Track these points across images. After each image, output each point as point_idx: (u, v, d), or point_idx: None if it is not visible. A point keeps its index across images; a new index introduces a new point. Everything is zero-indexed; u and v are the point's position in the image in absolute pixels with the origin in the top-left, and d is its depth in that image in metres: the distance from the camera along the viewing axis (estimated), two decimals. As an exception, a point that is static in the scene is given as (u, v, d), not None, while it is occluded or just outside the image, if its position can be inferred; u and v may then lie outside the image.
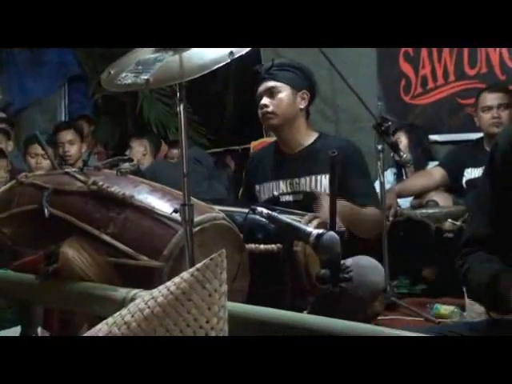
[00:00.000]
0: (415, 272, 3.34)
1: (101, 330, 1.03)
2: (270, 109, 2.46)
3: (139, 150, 4.76)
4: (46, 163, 3.71)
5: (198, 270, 1.01)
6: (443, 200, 3.53)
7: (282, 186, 2.47)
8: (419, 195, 3.62)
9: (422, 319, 2.77)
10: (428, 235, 3.23)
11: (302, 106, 2.54)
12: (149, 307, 0.99)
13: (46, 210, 1.81)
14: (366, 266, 2.19)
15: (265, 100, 2.52)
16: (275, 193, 2.51)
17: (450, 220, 3.23)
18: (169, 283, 1.02)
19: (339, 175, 2.27)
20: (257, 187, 2.53)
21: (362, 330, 1.11)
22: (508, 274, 1.42)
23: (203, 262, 1.02)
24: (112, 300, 1.31)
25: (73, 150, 3.94)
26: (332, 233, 1.59)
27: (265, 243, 2.00)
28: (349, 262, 1.90)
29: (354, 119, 4.44)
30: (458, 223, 3.17)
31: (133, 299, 1.26)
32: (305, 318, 1.28)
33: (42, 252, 1.55)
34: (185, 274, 1.01)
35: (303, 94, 2.58)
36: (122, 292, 1.36)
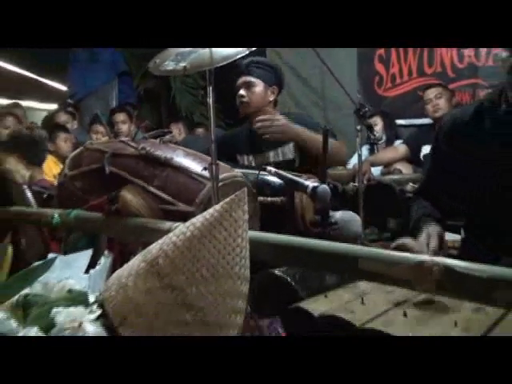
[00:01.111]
0: (383, 223, 3.40)
1: (154, 247, 1.06)
2: (246, 99, 2.51)
3: (175, 132, 4.81)
4: (104, 139, 3.74)
5: (226, 202, 1.04)
6: (405, 169, 3.65)
7: (251, 159, 2.54)
8: (387, 165, 3.71)
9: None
10: (393, 195, 3.29)
11: (271, 99, 2.59)
12: (190, 230, 1.03)
13: (106, 168, 1.86)
14: (349, 218, 2.22)
15: (242, 91, 2.55)
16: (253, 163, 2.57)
17: (410, 184, 3.30)
18: (204, 213, 1.05)
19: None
20: (238, 156, 2.59)
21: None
22: (425, 220, 1.71)
23: (229, 197, 1.05)
24: (160, 230, 1.35)
25: (124, 128, 3.98)
26: (325, 185, 1.63)
27: (271, 196, 2.06)
28: (336, 214, 1.95)
29: (338, 107, 4.52)
30: (417, 186, 3.24)
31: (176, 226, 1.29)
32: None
33: (105, 196, 1.58)
34: (216, 206, 1.05)
35: (273, 89, 2.61)
36: (168, 224, 1.40)
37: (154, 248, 1.06)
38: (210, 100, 1.58)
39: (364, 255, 1.03)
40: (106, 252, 1.37)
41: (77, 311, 0.91)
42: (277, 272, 1.58)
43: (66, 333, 0.90)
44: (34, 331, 0.84)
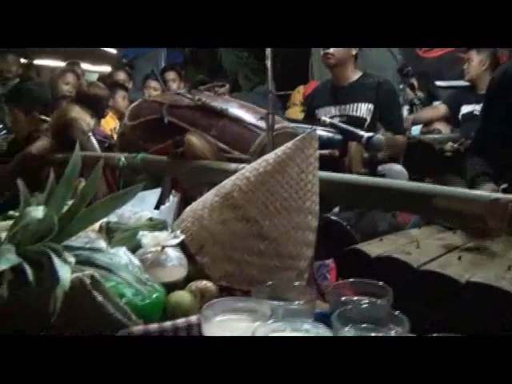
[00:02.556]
0: (421, 179, 3.32)
1: (227, 183, 1.05)
2: (331, 51, 2.43)
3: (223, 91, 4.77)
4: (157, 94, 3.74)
5: (298, 140, 1.01)
6: (444, 129, 3.54)
7: (333, 110, 2.46)
8: (427, 125, 3.60)
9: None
10: (433, 154, 3.21)
11: (354, 53, 2.50)
12: (262, 167, 1.01)
13: (165, 119, 1.86)
14: (396, 171, 2.18)
15: None
16: (323, 117, 2.51)
17: (450, 143, 3.20)
18: (276, 151, 1.03)
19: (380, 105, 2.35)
20: (316, 111, 2.51)
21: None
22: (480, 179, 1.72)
23: (301, 135, 1.02)
24: (226, 171, 1.33)
25: (174, 86, 3.96)
26: (379, 135, 1.59)
27: (326, 148, 2.02)
28: (384, 166, 1.92)
29: (380, 69, 4.38)
30: (456, 145, 3.16)
31: (235, 170, 1.27)
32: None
33: (170, 141, 1.57)
34: (288, 144, 1.02)
35: None
36: (234, 165, 1.38)
37: (228, 183, 1.04)
38: (269, 57, 1.54)
39: (439, 193, 0.99)
40: (173, 191, 1.37)
41: (161, 236, 0.90)
42: (332, 217, 1.56)
43: (149, 256, 0.90)
44: (122, 250, 0.84)
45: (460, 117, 3.59)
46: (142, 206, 1.22)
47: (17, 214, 1.10)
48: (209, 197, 1.05)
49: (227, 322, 0.70)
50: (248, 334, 0.67)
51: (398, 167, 2.21)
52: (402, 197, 1.09)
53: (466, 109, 3.52)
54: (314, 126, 1.91)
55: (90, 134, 2.02)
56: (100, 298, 0.72)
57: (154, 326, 0.78)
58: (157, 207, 1.35)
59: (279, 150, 1.02)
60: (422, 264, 1.30)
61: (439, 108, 3.73)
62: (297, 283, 0.89)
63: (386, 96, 2.38)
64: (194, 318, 0.82)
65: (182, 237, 0.91)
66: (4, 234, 0.81)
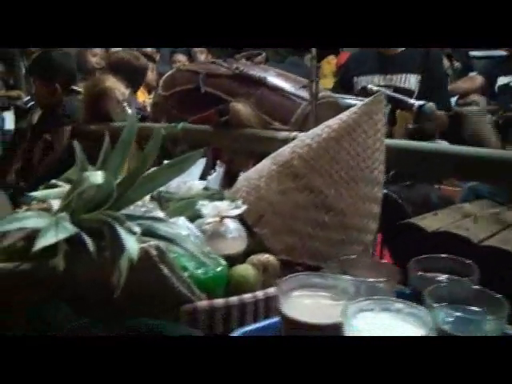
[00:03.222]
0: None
1: (285, 150, 0.97)
2: None
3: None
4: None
5: (365, 104, 0.92)
6: (481, 100, 3.40)
7: (376, 79, 2.32)
8: (463, 96, 3.46)
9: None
10: (470, 124, 3.10)
11: None
12: (326, 132, 0.92)
13: (202, 88, 1.78)
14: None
15: None
16: (370, 85, 2.37)
17: (488, 115, 3.09)
18: (340, 115, 0.94)
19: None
20: (355, 79, 2.38)
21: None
22: None
23: (368, 99, 0.93)
24: (276, 139, 1.25)
25: (202, 57, 3.87)
26: (431, 104, 1.49)
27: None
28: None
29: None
30: (494, 118, 3.03)
31: (294, 138, 1.19)
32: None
33: (212, 110, 1.49)
34: (353, 108, 0.93)
35: None
36: (284, 134, 1.30)
37: (285, 151, 0.96)
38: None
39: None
40: (218, 162, 1.29)
41: (222, 205, 0.83)
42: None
43: (207, 227, 0.83)
44: (181, 220, 0.77)
45: (496, 88, 3.46)
46: (187, 176, 1.15)
47: (59, 183, 1.04)
48: (265, 165, 0.97)
49: (308, 298, 0.63)
50: (334, 311, 0.60)
51: (445, 143, 2.11)
52: (484, 165, 1.00)
53: (502, 80, 3.39)
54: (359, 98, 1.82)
55: (125, 104, 1.95)
56: (166, 270, 0.65)
57: (219, 302, 0.72)
58: (201, 178, 1.28)
59: (344, 115, 0.93)
60: (481, 239, 1.22)
61: (476, 79, 3.58)
62: (371, 259, 0.81)
63: (434, 66, 2.24)
64: (260, 294, 0.75)
65: (244, 207, 0.83)
66: (55, 203, 0.75)
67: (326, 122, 0.96)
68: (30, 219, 0.65)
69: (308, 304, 0.62)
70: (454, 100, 3.47)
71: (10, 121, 3.01)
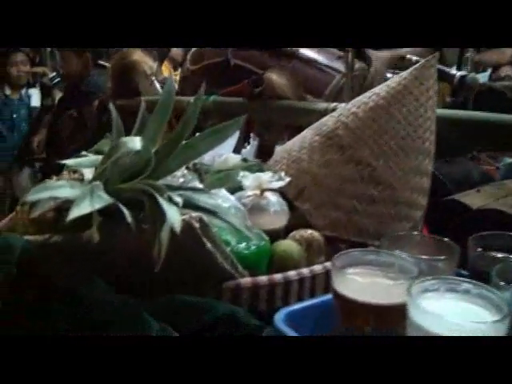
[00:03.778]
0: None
1: (329, 120, 0.90)
2: None
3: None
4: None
5: (415, 69, 0.85)
6: (512, 75, 3.25)
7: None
8: (495, 69, 3.32)
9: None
10: (504, 100, 2.97)
11: None
12: (372, 100, 0.85)
13: (231, 61, 1.72)
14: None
15: None
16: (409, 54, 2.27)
17: (523, 91, 2.94)
18: (388, 82, 0.87)
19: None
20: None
21: None
22: None
23: (419, 63, 0.86)
24: (314, 111, 1.18)
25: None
26: (473, 74, 1.39)
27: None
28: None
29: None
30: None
31: (333, 109, 1.13)
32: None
33: (245, 81, 1.42)
34: (403, 74, 0.86)
35: None
36: (323, 104, 1.23)
37: (329, 121, 0.89)
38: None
39: None
40: (251, 135, 1.23)
41: (264, 177, 0.77)
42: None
43: (247, 200, 0.77)
44: (222, 191, 0.72)
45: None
46: (221, 148, 1.09)
47: (89, 155, 0.99)
48: (306, 137, 0.91)
49: (364, 276, 0.57)
50: (394, 291, 0.54)
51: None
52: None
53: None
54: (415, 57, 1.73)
55: (153, 78, 1.89)
56: (209, 244, 0.59)
57: (263, 279, 0.66)
58: (234, 151, 1.22)
59: (392, 82, 0.86)
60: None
61: (504, 51, 3.43)
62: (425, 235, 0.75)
63: None
64: (305, 271, 0.70)
65: (288, 179, 0.77)
66: (87, 172, 0.70)
67: (373, 89, 0.88)
68: (61, 188, 0.60)
69: (365, 283, 0.56)
70: (486, 75, 3.34)
71: (36, 98, 2.99)
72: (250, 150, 1.15)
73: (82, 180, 0.70)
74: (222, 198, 0.68)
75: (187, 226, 0.57)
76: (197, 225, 0.58)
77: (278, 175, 0.77)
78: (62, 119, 2.30)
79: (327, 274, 0.72)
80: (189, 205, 0.62)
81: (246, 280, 0.65)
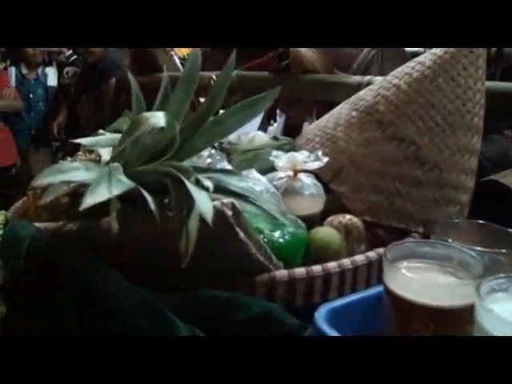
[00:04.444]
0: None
1: (367, 94, 0.81)
2: None
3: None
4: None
5: (466, 37, 0.75)
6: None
7: None
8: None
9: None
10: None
11: None
12: (417, 71, 0.76)
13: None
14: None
15: None
16: None
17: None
18: (433, 50, 0.78)
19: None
20: None
21: None
22: None
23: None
24: (347, 85, 1.10)
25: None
26: None
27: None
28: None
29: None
30: None
31: (368, 83, 1.03)
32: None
33: (270, 54, 1.33)
34: (451, 42, 0.77)
35: None
36: (356, 78, 1.13)
37: (367, 94, 0.81)
38: None
39: None
40: (277, 111, 1.15)
41: (299, 157, 0.69)
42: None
43: (279, 183, 0.69)
44: (253, 172, 0.64)
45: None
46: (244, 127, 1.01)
47: (106, 134, 0.92)
48: (342, 112, 0.82)
49: (420, 272, 0.49)
50: (458, 290, 0.46)
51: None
52: None
53: None
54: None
55: (173, 53, 1.80)
56: (242, 234, 0.52)
57: (300, 271, 0.59)
58: (259, 129, 1.14)
59: (438, 50, 0.76)
60: None
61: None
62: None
63: None
64: (347, 262, 0.62)
65: (325, 159, 0.69)
66: (104, 152, 0.63)
67: (417, 58, 0.79)
68: (75, 171, 0.53)
69: (423, 281, 0.49)
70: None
71: (52, 76, 2.93)
72: (276, 127, 1.06)
73: (98, 161, 0.63)
74: (254, 181, 0.60)
75: (219, 213, 0.49)
76: (229, 212, 0.50)
77: (315, 155, 0.69)
78: (79, 99, 2.23)
79: (370, 266, 0.64)
80: (218, 189, 0.54)
81: (282, 272, 0.58)
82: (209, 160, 0.62)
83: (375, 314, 0.56)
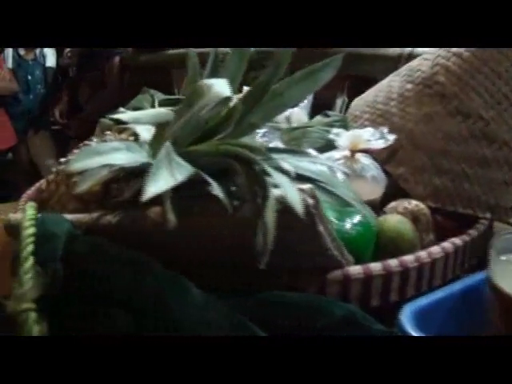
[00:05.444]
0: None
1: (423, 64, 0.72)
2: None
3: None
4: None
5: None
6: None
7: None
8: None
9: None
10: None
11: None
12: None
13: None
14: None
15: None
16: None
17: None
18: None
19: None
20: None
21: None
22: None
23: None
24: (385, 57, 1.00)
25: None
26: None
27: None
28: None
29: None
30: None
31: (410, 55, 0.94)
32: None
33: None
34: None
35: None
36: (396, 50, 1.03)
37: (422, 65, 0.71)
38: None
39: None
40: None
41: (364, 135, 0.59)
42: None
43: (335, 164, 0.60)
44: (311, 150, 0.55)
45: None
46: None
47: (129, 111, 0.82)
48: (393, 85, 0.73)
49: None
50: None
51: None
52: None
53: None
54: None
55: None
56: (321, 227, 0.43)
57: (376, 266, 0.50)
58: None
59: (505, 14, 0.67)
60: None
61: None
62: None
63: None
64: (424, 255, 0.53)
65: (393, 137, 0.60)
66: (143, 130, 0.53)
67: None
68: (117, 152, 0.43)
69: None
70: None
71: (51, 57, 2.79)
72: (306, 104, 0.96)
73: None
74: (321, 162, 0.50)
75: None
76: (310, 201, 0.41)
77: (380, 132, 0.59)
78: (81, 81, 2.11)
79: (446, 258, 0.55)
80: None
81: (357, 269, 0.49)
82: (266, 138, 0.53)
83: (461, 312, 0.48)
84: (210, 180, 0.39)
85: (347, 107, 0.86)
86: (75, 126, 2.32)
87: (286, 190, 0.36)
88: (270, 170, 0.38)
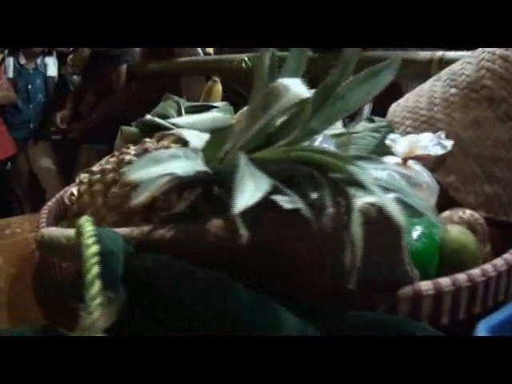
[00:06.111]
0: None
1: (466, 68, 0.68)
2: None
3: None
4: None
5: None
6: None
7: None
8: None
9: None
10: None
11: None
12: None
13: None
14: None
15: None
16: None
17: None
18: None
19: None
20: None
21: None
22: None
23: None
24: (414, 61, 0.96)
25: None
26: None
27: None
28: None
29: None
30: None
31: (441, 60, 0.91)
32: None
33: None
34: None
35: None
36: (425, 54, 1.00)
37: (466, 68, 0.68)
38: None
39: None
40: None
41: (422, 141, 0.56)
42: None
43: (403, 171, 0.56)
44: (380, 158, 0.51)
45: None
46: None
47: (155, 118, 0.79)
48: (435, 90, 0.69)
49: None
50: None
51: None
52: None
53: None
54: None
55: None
56: (403, 241, 0.39)
57: (446, 281, 0.46)
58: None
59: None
60: None
61: None
62: None
63: None
64: (489, 268, 0.49)
65: (451, 143, 0.56)
66: (192, 136, 0.49)
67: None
68: (176, 160, 0.39)
69: None
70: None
71: (52, 66, 2.74)
72: (367, 109, 0.93)
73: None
74: (388, 169, 0.46)
75: (382, 214, 0.36)
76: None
77: (437, 138, 0.56)
78: (86, 89, 2.07)
79: (510, 271, 0.52)
80: (351, 182, 0.40)
81: (427, 284, 0.45)
82: (325, 145, 0.49)
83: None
84: (288, 191, 0.35)
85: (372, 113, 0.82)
86: (77, 130, 2.27)
87: (384, 200, 0.32)
88: (361, 178, 0.34)
